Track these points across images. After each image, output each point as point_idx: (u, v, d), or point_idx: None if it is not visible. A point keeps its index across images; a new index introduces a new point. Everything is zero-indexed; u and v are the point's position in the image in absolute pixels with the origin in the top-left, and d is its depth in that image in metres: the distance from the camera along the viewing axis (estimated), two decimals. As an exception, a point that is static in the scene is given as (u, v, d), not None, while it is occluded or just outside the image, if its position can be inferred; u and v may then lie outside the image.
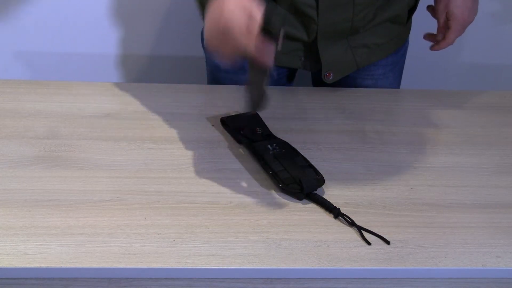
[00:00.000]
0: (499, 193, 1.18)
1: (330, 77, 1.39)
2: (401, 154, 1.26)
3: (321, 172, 1.16)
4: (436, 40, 1.42)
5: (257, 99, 1.14)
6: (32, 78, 1.90)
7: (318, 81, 1.51)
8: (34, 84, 1.40)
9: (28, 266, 0.98)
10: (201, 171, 1.18)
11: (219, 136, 1.27)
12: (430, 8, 1.44)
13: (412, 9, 1.44)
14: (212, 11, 1.09)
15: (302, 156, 1.20)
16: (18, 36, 1.85)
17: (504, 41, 1.94)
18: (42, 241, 1.02)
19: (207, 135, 1.27)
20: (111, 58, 1.91)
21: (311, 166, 1.18)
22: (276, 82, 1.48)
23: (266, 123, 1.28)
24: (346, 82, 1.45)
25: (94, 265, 0.99)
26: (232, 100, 1.36)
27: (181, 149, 1.23)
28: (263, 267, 1.01)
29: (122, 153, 1.22)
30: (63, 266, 0.98)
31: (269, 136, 1.25)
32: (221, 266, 1.00)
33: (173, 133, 1.27)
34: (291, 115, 1.34)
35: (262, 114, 1.30)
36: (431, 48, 1.44)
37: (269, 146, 1.21)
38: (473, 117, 1.38)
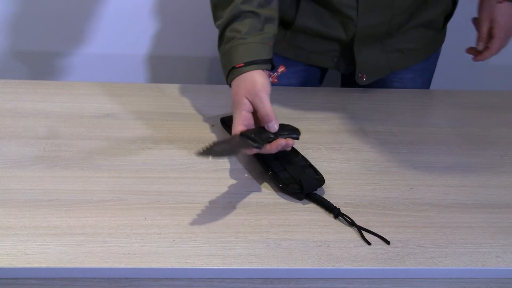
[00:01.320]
0: (499, 193, 1.18)
1: (364, 79, 1.39)
2: (401, 154, 1.26)
3: (321, 172, 1.16)
4: (477, 50, 1.40)
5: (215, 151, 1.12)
6: (32, 78, 1.89)
7: (348, 82, 1.51)
8: (34, 84, 1.40)
9: (28, 266, 0.98)
10: (201, 171, 1.18)
11: (219, 136, 1.27)
12: (475, 21, 1.42)
13: (449, 15, 1.43)
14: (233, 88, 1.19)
15: (302, 156, 1.20)
16: (18, 36, 1.85)
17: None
18: (42, 241, 1.02)
19: (207, 135, 1.27)
20: (112, 58, 1.91)
21: (311, 166, 1.18)
22: (307, 83, 1.48)
23: (266, 123, 1.28)
24: (376, 83, 1.46)
25: (94, 265, 0.99)
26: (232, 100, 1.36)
27: (181, 149, 1.23)
28: (263, 267, 1.01)
29: (122, 153, 1.22)
30: (63, 266, 0.98)
31: None
32: (221, 266, 1.00)
33: (173, 133, 1.27)
34: (291, 115, 1.34)
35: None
36: (474, 59, 1.42)
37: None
38: (473, 117, 1.38)
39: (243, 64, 1.17)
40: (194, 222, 1.07)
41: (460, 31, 1.90)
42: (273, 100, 1.39)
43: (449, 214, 1.12)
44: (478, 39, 1.39)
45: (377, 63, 1.39)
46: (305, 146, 1.25)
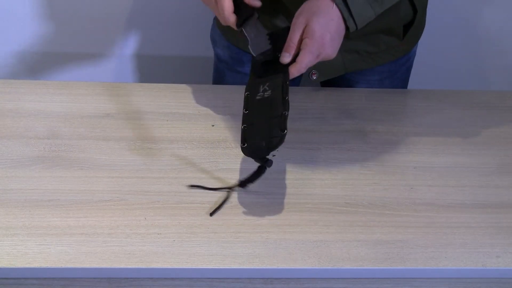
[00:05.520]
0: (499, 193, 1.18)
1: (314, 77, 1.37)
2: (401, 154, 1.26)
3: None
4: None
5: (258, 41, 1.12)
6: (32, 78, 1.90)
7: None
8: (34, 84, 1.40)
9: (28, 266, 0.98)
10: (201, 171, 1.18)
11: (219, 136, 1.27)
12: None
13: (409, 24, 1.40)
14: None
15: (284, 104, 1.10)
16: (18, 36, 1.85)
17: (504, 41, 1.94)
18: (42, 241, 1.02)
19: (207, 135, 1.27)
20: (111, 58, 1.91)
21: (283, 117, 1.07)
22: None
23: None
24: (340, 83, 1.44)
25: (94, 265, 0.99)
26: (232, 100, 1.36)
27: (181, 149, 1.23)
28: (263, 267, 1.01)
29: (122, 153, 1.22)
30: (63, 266, 0.98)
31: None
32: (221, 266, 1.00)
33: (173, 133, 1.27)
34: (291, 115, 1.33)
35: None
36: None
37: (261, 86, 1.12)
38: (473, 117, 1.38)
39: None
40: (194, 222, 1.07)
41: (459, 32, 1.91)
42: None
43: (449, 214, 1.12)
44: (285, 48, 1.13)
45: (331, 61, 1.28)
46: (305, 146, 1.25)
